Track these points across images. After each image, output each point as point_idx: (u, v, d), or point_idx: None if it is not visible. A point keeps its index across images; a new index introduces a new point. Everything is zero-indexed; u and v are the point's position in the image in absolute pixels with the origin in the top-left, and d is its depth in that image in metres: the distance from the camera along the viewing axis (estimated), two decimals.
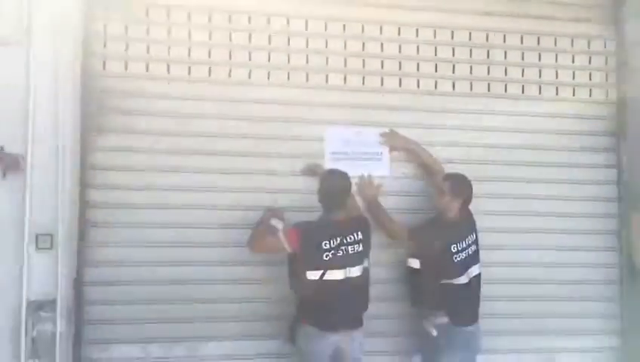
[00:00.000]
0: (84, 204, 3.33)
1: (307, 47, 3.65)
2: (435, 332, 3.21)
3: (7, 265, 3.06)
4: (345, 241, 3.08)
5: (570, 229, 3.86)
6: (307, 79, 3.64)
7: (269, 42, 3.61)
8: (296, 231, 3.06)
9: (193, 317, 3.46)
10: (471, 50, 3.83)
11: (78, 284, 3.25)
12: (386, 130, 3.66)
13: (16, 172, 3.06)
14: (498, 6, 3.84)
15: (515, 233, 3.79)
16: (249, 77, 3.58)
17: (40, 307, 3.06)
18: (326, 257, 3.04)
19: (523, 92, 3.87)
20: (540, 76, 3.90)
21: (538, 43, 3.91)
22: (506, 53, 3.87)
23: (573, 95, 3.93)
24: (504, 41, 3.87)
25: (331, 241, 3.05)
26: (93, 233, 3.36)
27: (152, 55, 3.48)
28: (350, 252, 3.09)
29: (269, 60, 3.60)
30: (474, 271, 3.31)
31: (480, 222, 3.44)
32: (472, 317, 3.31)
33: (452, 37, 3.81)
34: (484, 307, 3.39)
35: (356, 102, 3.68)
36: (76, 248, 3.25)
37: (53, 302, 3.06)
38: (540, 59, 3.90)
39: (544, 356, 3.80)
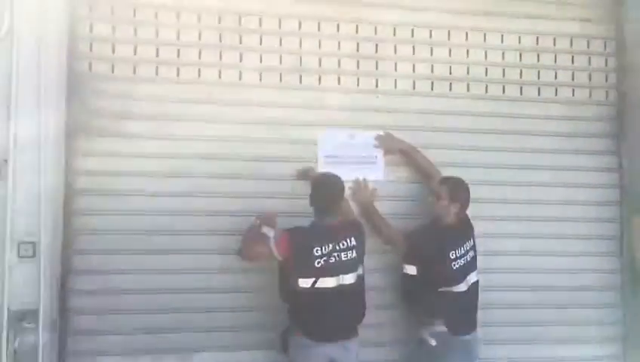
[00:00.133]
0: (69, 210, 3.24)
1: (300, 48, 3.58)
2: (433, 342, 3.14)
3: None
4: (338, 247, 3.00)
5: (570, 234, 3.80)
6: (300, 81, 3.57)
7: (261, 43, 3.54)
8: (286, 237, 2.97)
9: (184, 327, 3.38)
10: (467, 51, 3.77)
11: (63, 293, 3.17)
12: (381, 132, 3.59)
13: None
14: (495, 6, 3.78)
15: (514, 238, 3.73)
16: (240, 78, 3.51)
17: (22, 317, 2.98)
18: (318, 264, 2.95)
19: (521, 93, 3.81)
20: (538, 77, 3.84)
21: (537, 43, 3.84)
22: (503, 54, 3.81)
23: (573, 96, 3.87)
24: (502, 42, 3.81)
25: (323, 247, 2.96)
26: (78, 240, 3.27)
27: (139, 56, 3.40)
28: (343, 258, 3.01)
29: (260, 62, 3.53)
30: (472, 278, 3.25)
31: (478, 227, 3.39)
32: (471, 325, 3.25)
33: (448, 37, 3.75)
34: (482, 315, 3.33)
35: (350, 104, 3.61)
36: (60, 256, 3.16)
37: (36, 312, 2.98)
38: (538, 59, 3.84)
39: None
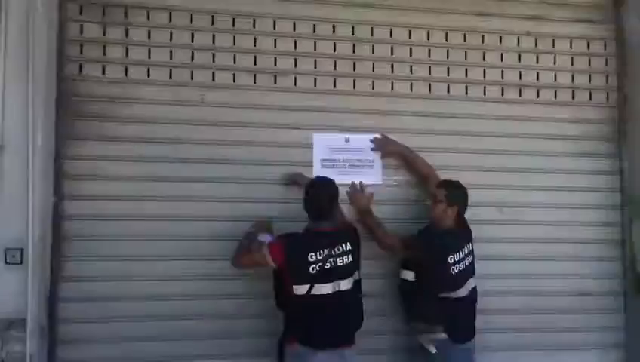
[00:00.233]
0: (58, 216, 3.18)
1: (295, 49, 3.53)
2: (434, 349, 3.08)
3: None
4: (333, 253, 2.93)
5: (570, 238, 3.75)
6: (295, 83, 3.52)
7: (255, 44, 3.49)
8: (279, 244, 2.91)
9: (176, 335, 3.31)
10: (466, 53, 3.72)
11: (52, 301, 3.11)
12: (378, 135, 3.54)
13: None
14: (493, 7, 3.74)
15: (512, 243, 3.68)
16: (234, 80, 3.45)
17: (9, 326, 2.93)
18: (313, 270, 2.88)
19: (520, 95, 3.76)
20: (537, 79, 3.79)
21: (536, 45, 3.80)
22: (502, 55, 3.76)
23: (573, 98, 3.83)
24: (500, 43, 3.76)
25: (318, 253, 2.89)
26: (67, 246, 3.21)
27: (131, 58, 3.35)
28: (339, 264, 2.94)
29: (254, 63, 3.48)
30: (471, 283, 3.19)
31: (475, 231, 3.32)
32: (471, 332, 3.20)
33: (446, 39, 3.70)
34: (479, 321, 3.26)
35: (346, 106, 3.56)
36: (49, 263, 3.11)
37: (24, 320, 2.92)
38: (537, 61, 3.80)
39: None
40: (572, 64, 3.83)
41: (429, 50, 3.68)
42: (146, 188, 3.31)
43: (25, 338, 2.92)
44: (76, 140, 3.25)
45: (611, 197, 3.82)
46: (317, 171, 3.44)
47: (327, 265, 2.90)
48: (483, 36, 3.74)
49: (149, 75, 3.36)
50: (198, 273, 3.33)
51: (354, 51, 3.59)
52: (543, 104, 3.77)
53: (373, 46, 3.61)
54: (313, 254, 2.88)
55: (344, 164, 3.52)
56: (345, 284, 2.96)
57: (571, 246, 3.74)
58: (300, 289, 2.88)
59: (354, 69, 3.58)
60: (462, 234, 3.23)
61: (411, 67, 3.65)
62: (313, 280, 2.88)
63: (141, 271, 3.28)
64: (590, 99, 3.84)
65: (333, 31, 3.57)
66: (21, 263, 2.94)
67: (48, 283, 3.09)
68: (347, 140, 3.53)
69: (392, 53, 3.63)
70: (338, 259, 2.94)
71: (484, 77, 3.73)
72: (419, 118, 3.62)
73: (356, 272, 3.05)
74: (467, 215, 3.28)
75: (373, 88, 3.60)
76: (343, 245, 2.96)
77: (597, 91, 3.85)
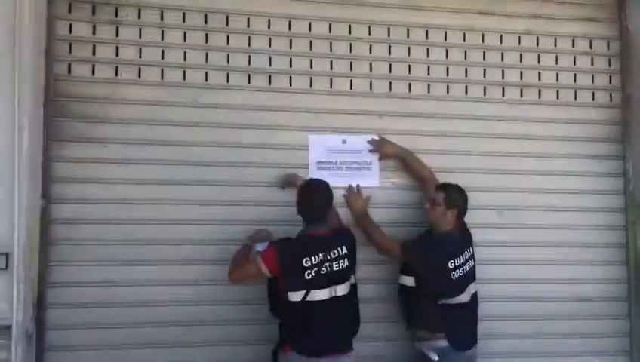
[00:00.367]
0: (45, 220, 3.11)
1: (290, 48, 3.47)
2: (435, 357, 3.01)
3: None
4: (328, 257, 2.85)
5: (573, 242, 3.68)
6: (290, 83, 3.46)
7: (249, 44, 3.42)
8: (272, 250, 2.83)
9: (168, 342, 3.24)
10: (465, 52, 3.66)
11: (39, 307, 3.04)
12: (375, 136, 3.48)
13: None
14: (494, 5, 3.68)
15: (514, 247, 3.62)
16: (227, 81, 3.39)
17: None
18: (308, 276, 2.80)
19: (521, 95, 3.70)
20: (539, 79, 3.73)
21: (537, 44, 3.74)
22: (502, 55, 3.70)
23: (575, 99, 3.76)
24: (500, 43, 3.70)
25: (313, 258, 2.82)
26: (55, 251, 3.15)
27: (121, 58, 3.29)
28: (335, 268, 2.87)
29: (248, 63, 3.41)
30: (472, 288, 3.13)
31: (476, 235, 3.27)
32: (472, 339, 3.14)
33: (445, 38, 3.64)
34: (481, 327, 3.21)
35: (343, 107, 3.50)
36: (37, 268, 3.02)
37: (9, 328, 2.85)
38: (539, 60, 3.74)
39: None
40: (574, 63, 3.77)
41: (428, 50, 3.61)
42: (137, 191, 3.25)
43: (10, 346, 2.85)
44: (65, 142, 3.19)
45: (615, 199, 3.75)
46: (313, 174, 3.38)
47: (323, 270, 2.83)
48: (483, 35, 3.68)
49: (140, 75, 3.30)
50: (189, 278, 3.27)
51: (351, 51, 3.53)
52: (544, 104, 3.71)
53: (370, 45, 3.55)
54: (308, 259, 2.81)
55: (341, 166, 3.46)
56: (341, 289, 2.90)
57: (574, 250, 3.68)
58: (295, 296, 2.81)
59: (351, 69, 3.52)
60: (462, 238, 3.18)
61: (409, 67, 3.58)
62: (309, 285, 2.81)
63: (131, 276, 3.21)
64: (593, 99, 3.78)
65: (330, 30, 3.51)
66: (6, 268, 2.87)
67: (35, 289, 3.01)
68: (344, 142, 3.47)
69: (389, 53, 3.57)
70: (334, 264, 2.87)
71: (484, 77, 3.66)
72: (417, 119, 3.56)
73: (353, 277, 2.99)
74: (467, 218, 3.21)
75: (370, 88, 3.54)
76: (339, 249, 2.89)
77: (600, 91, 3.79)
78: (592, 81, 3.79)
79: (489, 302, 3.39)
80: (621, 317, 3.71)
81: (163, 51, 3.32)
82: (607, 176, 3.75)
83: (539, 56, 3.73)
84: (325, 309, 2.84)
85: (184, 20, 3.35)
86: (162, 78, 3.32)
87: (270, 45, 3.44)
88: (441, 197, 3.13)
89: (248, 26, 3.42)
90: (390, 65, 3.56)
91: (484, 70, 3.66)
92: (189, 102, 3.33)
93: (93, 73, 3.25)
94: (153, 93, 3.30)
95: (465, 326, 3.09)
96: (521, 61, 3.71)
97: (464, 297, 3.07)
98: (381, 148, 3.46)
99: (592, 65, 3.79)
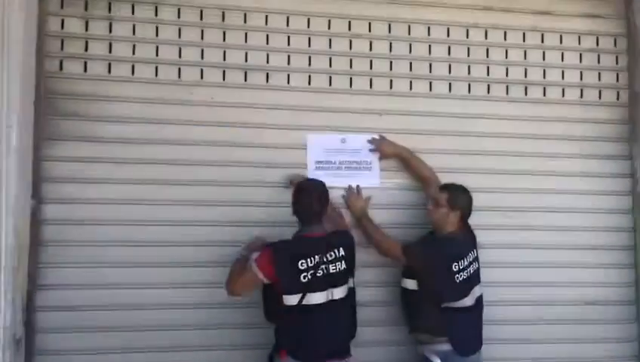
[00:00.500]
0: (35, 220, 3.06)
1: (288, 45, 3.41)
2: (438, 361, 2.96)
3: None
4: (325, 259, 2.78)
5: (580, 244, 3.62)
6: (288, 81, 3.40)
7: (246, 40, 3.37)
8: (266, 253, 2.76)
9: (161, 346, 3.19)
10: (468, 49, 3.60)
11: (28, 310, 2.99)
12: (375, 136, 3.42)
13: None
14: (498, 1, 3.61)
15: (519, 249, 3.56)
16: (223, 79, 3.34)
17: None
18: (304, 278, 2.73)
19: (526, 94, 3.64)
20: (544, 77, 3.67)
21: (542, 41, 3.68)
22: (507, 51, 3.64)
23: (581, 97, 3.70)
24: (505, 39, 3.64)
25: (309, 260, 2.75)
26: (46, 252, 3.10)
27: (114, 55, 3.24)
28: (332, 271, 2.80)
29: (245, 60, 3.36)
30: (477, 291, 3.08)
31: (480, 237, 3.21)
32: (477, 343, 3.08)
33: (447, 34, 3.58)
34: (485, 332, 3.13)
35: (342, 105, 3.44)
36: (26, 270, 2.97)
37: None
38: (544, 58, 3.67)
39: None
40: (580, 61, 3.71)
41: (430, 47, 3.55)
42: (131, 191, 3.20)
43: None
44: (56, 141, 3.14)
45: (622, 200, 3.69)
46: (311, 173, 3.32)
47: (319, 273, 2.76)
48: (486, 32, 3.61)
49: (133, 73, 3.25)
50: (184, 281, 3.22)
51: (350, 48, 3.47)
52: (549, 103, 3.65)
53: (370, 42, 3.49)
54: (303, 261, 2.74)
55: (340, 165, 3.40)
56: (338, 293, 2.83)
57: (580, 253, 3.62)
58: (291, 300, 2.74)
59: (350, 66, 3.46)
60: (466, 240, 3.12)
61: (411, 64, 3.52)
62: (305, 289, 2.74)
63: (124, 278, 3.17)
64: (600, 97, 3.72)
65: (329, 27, 3.46)
66: None
67: (25, 292, 2.96)
68: (343, 141, 3.41)
69: (390, 50, 3.51)
70: (330, 266, 2.80)
71: (488, 74, 3.60)
72: (418, 118, 3.50)
73: (351, 280, 2.92)
74: (470, 220, 3.16)
75: (370, 86, 3.48)
76: (336, 251, 2.83)
77: (607, 90, 3.72)
78: (599, 79, 3.72)
79: (494, 305, 3.33)
80: (629, 321, 3.65)
81: (157, 48, 3.28)
82: (614, 176, 3.69)
83: (544, 53, 3.67)
84: (322, 313, 2.77)
85: (179, 16, 3.30)
86: (156, 75, 3.27)
87: (268, 42, 3.39)
88: (444, 198, 3.08)
89: (245, 22, 3.37)
90: (391, 62, 3.51)
91: (488, 68, 3.61)
92: (183, 100, 3.28)
93: (85, 70, 3.20)
94: (147, 91, 3.25)
95: (469, 331, 3.04)
96: (525, 58, 3.65)
97: (468, 301, 3.01)
98: (381, 147, 3.41)
99: (598, 62, 3.73)
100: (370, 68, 3.48)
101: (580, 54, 3.71)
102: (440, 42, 3.56)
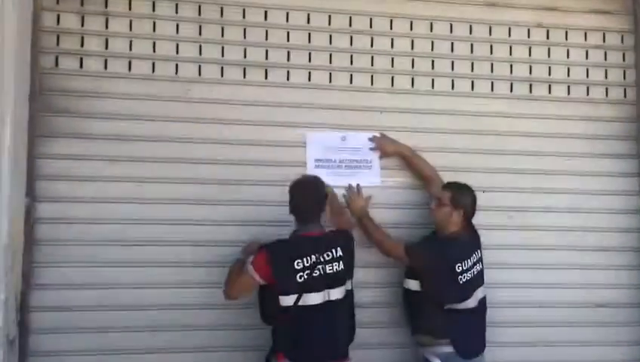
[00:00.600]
0: (30, 219, 3.03)
1: (288, 41, 3.37)
2: None
3: None
4: (322, 259, 2.73)
5: (586, 245, 3.57)
6: (288, 77, 3.37)
7: (245, 36, 3.33)
8: (262, 254, 2.71)
9: (157, 347, 3.15)
10: (472, 46, 3.55)
11: (22, 310, 2.95)
12: (376, 133, 3.38)
13: None
14: None
15: (524, 250, 3.52)
16: (221, 75, 3.30)
17: None
18: (300, 279, 2.68)
19: (531, 91, 3.59)
20: (549, 74, 3.62)
21: (547, 37, 3.63)
22: (511, 48, 3.59)
23: (587, 95, 3.65)
24: (509, 35, 3.59)
25: (305, 260, 2.70)
26: (40, 251, 3.06)
27: (111, 50, 3.21)
28: (328, 271, 2.74)
29: (244, 56, 3.32)
30: (480, 293, 3.04)
31: (484, 237, 3.17)
32: (480, 346, 3.04)
33: (450, 30, 3.53)
34: (489, 334, 3.10)
35: (343, 102, 3.40)
36: (20, 269, 2.94)
37: None
38: (549, 54, 3.62)
39: None
40: (587, 58, 3.66)
41: (432, 43, 3.51)
42: (127, 189, 3.16)
43: None
44: (51, 138, 3.10)
45: (630, 200, 3.63)
46: (310, 172, 3.25)
47: (316, 273, 2.71)
48: (490, 28, 3.57)
49: (130, 69, 3.22)
50: (180, 281, 3.18)
51: (351, 44, 3.43)
52: (554, 101, 3.60)
53: (372, 38, 3.45)
54: (300, 261, 2.69)
55: (340, 164, 3.36)
56: (335, 294, 2.77)
57: (586, 254, 3.57)
58: (288, 300, 2.69)
59: (351, 63, 3.42)
60: (470, 240, 3.09)
61: (413, 60, 3.48)
62: (301, 289, 2.69)
63: (120, 278, 3.13)
64: (606, 95, 3.67)
65: (329, 22, 3.42)
66: None
67: (18, 291, 2.92)
68: (343, 139, 3.37)
69: (392, 46, 3.47)
70: (327, 266, 2.74)
71: (492, 71, 3.56)
72: (420, 116, 3.45)
73: (349, 281, 2.87)
74: (474, 219, 3.12)
75: (372, 83, 3.44)
76: (333, 251, 2.77)
77: (613, 87, 3.67)
78: (606, 77, 3.67)
79: (498, 307, 3.30)
80: (636, 324, 3.59)
81: (154, 43, 3.24)
82: (621, 176, 3.63)
83: (549, 49, 3.62)
84: (319, 314, 2.73)
85: (177, 12, 3.26)
86: (153, 71, 3.24)
87: (267, 38, 3.35)
88: (447, 197, 3.05)
89: (244, 17, 3.33)
90: (392, 58, 3.47)
91: (492, 64, 3.56)
92: (181, 97, 3.24)
93: (81, 66, 3.17)
94: (144, 87, 3.22)
95: (471, 333, 3.00)
96: (530, 55, 3.61)
97: (471, 302, 2.98)
98: (382, 145, 3.37)
99: (605, 59, 3.68)
100: (372, 65, 3.44)
101: (586, 51, 3.66)
102: (442, 38, 3.52)
